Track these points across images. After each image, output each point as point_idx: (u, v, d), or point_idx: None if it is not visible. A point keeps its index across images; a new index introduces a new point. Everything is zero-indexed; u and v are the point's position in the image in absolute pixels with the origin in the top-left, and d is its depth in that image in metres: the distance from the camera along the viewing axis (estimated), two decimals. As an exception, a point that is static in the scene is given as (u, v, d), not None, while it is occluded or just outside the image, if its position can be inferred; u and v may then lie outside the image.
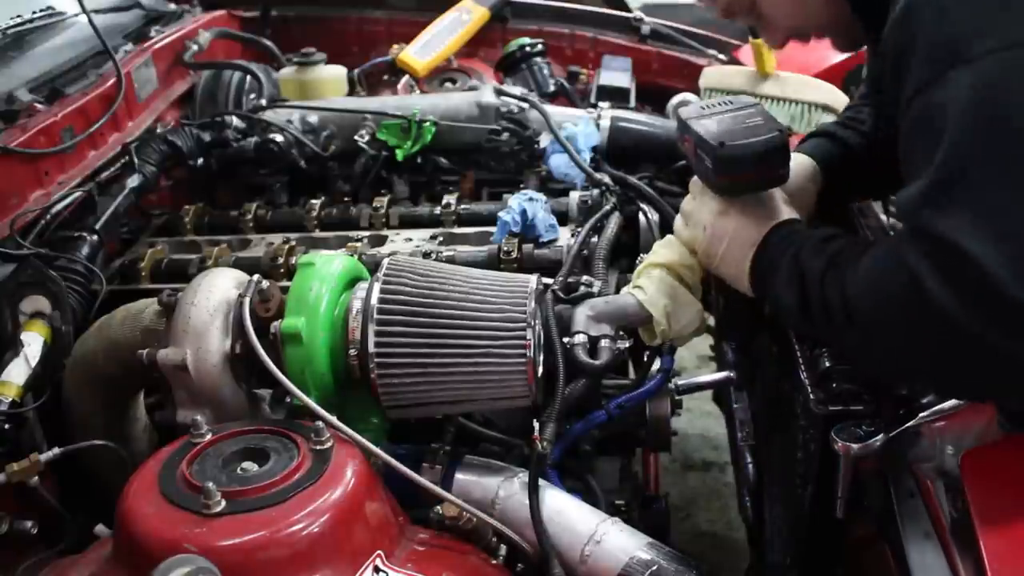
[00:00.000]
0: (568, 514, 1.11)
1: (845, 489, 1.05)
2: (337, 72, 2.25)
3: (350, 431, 1.04)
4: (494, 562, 1.07)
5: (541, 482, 1.15)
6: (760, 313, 1.39)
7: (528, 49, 2.40)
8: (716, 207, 1.21)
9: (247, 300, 1.16)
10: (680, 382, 1.37)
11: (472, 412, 1.34)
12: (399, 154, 1.93)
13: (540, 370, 1.18)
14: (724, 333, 1.38)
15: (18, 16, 1.93)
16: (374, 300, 1.15)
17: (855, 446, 0.99)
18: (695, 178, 1.27)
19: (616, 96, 2.19)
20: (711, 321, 1.36)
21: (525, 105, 1.96)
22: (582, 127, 1.86)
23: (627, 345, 1.25)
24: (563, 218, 1.68)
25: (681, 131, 1.23)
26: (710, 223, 1.21)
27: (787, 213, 1.18)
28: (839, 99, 2.00)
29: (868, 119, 1.40)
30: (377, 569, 0.92)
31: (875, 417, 1.04)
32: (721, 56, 2.41)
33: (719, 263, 1.22)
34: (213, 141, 1.97)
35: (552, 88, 2.35)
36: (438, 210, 1.76)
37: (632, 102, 2.21)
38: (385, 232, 1.74)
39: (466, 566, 1.03)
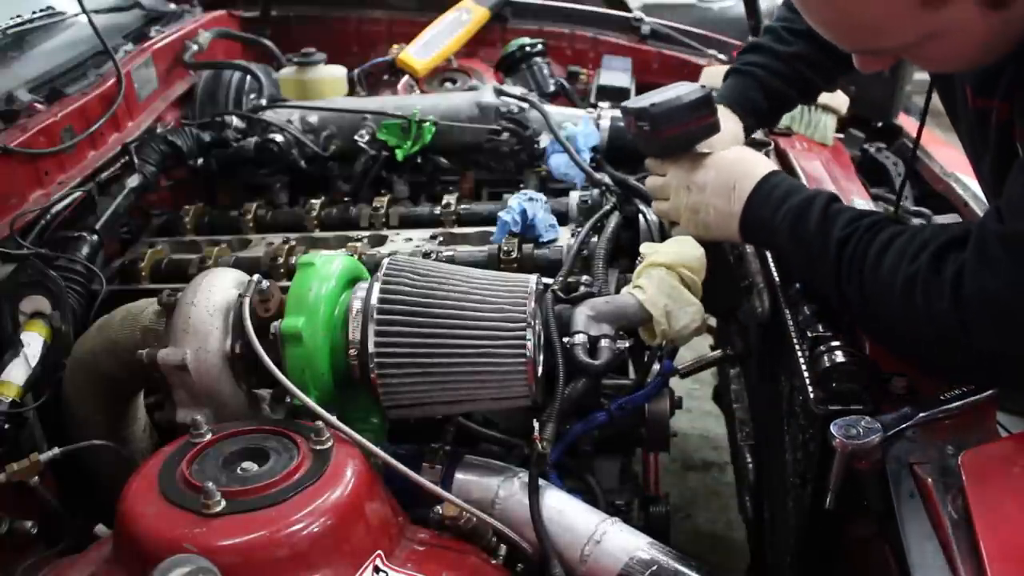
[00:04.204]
0: (568, 514, 1.11)
1: (837, 482, 1.05)
2: (337, 72, 2.25)
3: (350, 431, 1.04)
4: (494, 562, 1.07)
5: (541, 482, 1.15)
6: (739, 284, 1.51)
7: (528, 49, 2.40)
8: (690, 165, 1.33)
9: (247, 300, 1.16)
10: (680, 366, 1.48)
11: (472, 412, 1.34)
12: (399, 154, 1.93)
13: (540, 370, 1.18)
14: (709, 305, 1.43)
15: (18, 16, 1.93)
16: (374, 300, 1.15)
17: (851, 443, 0.99)
18: (647, 160, 1.44)
19: (616, 96, 2.19)
20: (711, 321, 1.36)
21: (525, 105, 1.95)
22: (582, 127, 1.86)
23: (627, 345, 1.25)
24: (563, 218, 1.68)
25: (625, 119, 1.41)
26: (691, 181, 1.32)
27: (766, 166, 1.27)
28: (839, 99, 2.00)
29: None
30: (377, 569, 0.92)
31: (874, 416, 1.03)
32: (721, 56, 2.41)
33: (707, 218, 1.30)
34: (213, 141, 1.97)
35: (552, 88, 2.35)
36: (438, 210, 1.76)
37: (632, 102, 2.21)
38: (385, 232, 1.74)
39: (466, 566, 1.03)
